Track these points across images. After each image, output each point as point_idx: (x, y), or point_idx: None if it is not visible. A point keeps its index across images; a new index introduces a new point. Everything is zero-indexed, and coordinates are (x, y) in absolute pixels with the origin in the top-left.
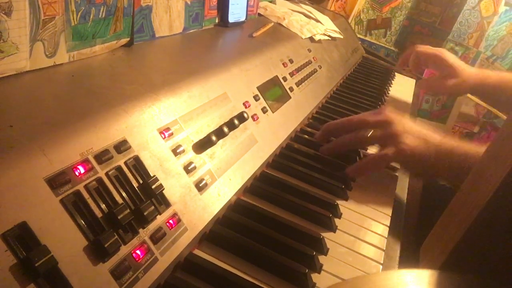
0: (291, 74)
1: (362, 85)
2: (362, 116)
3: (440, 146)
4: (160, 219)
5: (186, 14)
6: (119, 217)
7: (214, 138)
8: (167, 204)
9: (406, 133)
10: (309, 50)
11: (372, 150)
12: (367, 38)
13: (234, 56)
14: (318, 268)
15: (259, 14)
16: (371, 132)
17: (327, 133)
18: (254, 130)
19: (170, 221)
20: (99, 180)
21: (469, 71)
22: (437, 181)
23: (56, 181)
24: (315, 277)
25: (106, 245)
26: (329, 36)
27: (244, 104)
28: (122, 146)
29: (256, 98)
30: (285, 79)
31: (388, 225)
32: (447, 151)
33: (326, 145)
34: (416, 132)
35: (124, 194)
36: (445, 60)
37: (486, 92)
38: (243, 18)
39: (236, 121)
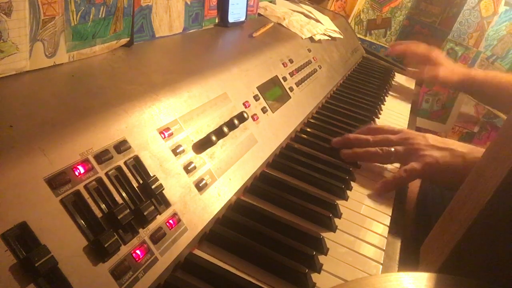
0: (291, 74)
1: (362, 85)
2: (385, 136)
3: (468, 155)
4: (160, 219)
5: (186, 14)
6: (119, 217)
7: (214, 138)
8: (167, 204)
9: (429, 146)
10: (309, 50)
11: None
12: (367, 38)
13: (234, 56)
14: (318, 268)
15: (259, 14)
16: (394, 148)
17: (347, 143)
18: (254, 130)
19: (170, 221)
20: (99, 180)
21: (454, 65)
22: None
23: (56, 181)
24: (315, 277)
25: (106, 245)
26: (329, 36)
27: (244, 104)
28: (122, 146)
29: (256, 98)
30: (285, 79)
31: (388, 225)
32: (476, 159)
33: (348, 151)
34: (440, 144)
35: (124, 194)
36: (429, 55)
37: (472, 87)
38: (243, 18)
39: (236, 121)
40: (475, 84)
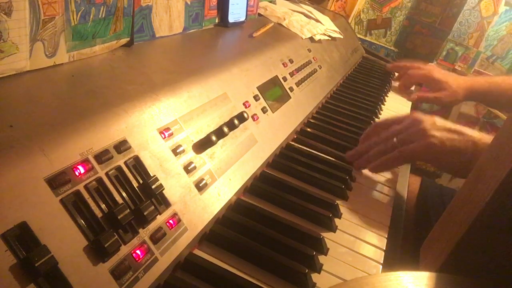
0: (291, 74)
1: (362, 85)
2: (389, 131)
3: (480, 140)
4: (160, 219)
5: (186, 14)
6: (119, 217)
7: (214, 138)
8: (167, 204)
9: (436, 128)
10: (309, 50)
11: None
12: (367, 38)
13: (234, 56)
14: (318, 268)
15: (259, 14)
16: (397, 137)
17: (359, 154)
18: (254, 130)
19: (170, 221)
20: (99, 180)
21: (457, 82)
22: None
23: (56, 181)
24: (315, 277)
25: (106, 245)
26: (329, 36)
27: (244, 104)
28: (122, 146)
29: (256, 98)
30: (285, 79)
31: (388, 225)
32: (486, 146)
33: (359, 160)
34: (449, 127)
35: (124, 194)
36: (432, 78)
37: (476, 96)
38: (243, 18)
39: (236, 121)
40: (479, 94)
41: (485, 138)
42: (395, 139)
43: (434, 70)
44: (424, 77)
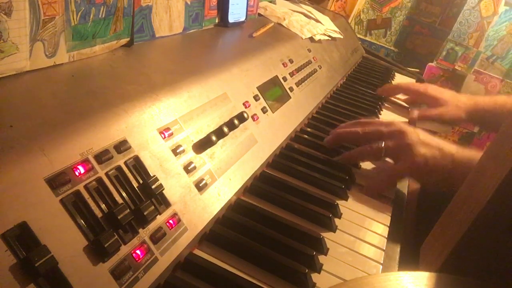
0: (291, 74)
1: (362, 85)
2: (375, 127)
3: (456, 155)
4: (160, 219)
5: (186, 14)
6: (119, 217)
7: (214, 138)
8: (167, 204)
9: (420, 143)
10: (309, 50)
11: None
12: (367, 38)
13: (234, 56)
14: (318, 268)
15: (259, 14)
16: (384, 144)
17: (339, 140)
18: (254, 130)
19: (170, 221)
20: (99, 180)
21: (456, 98)
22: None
23: (56, 181)
24: (315, 277)
25: (106, 245)
26: (329, 36)
27: (244, 104)
28: (122, 146)
29: (256, 98)
30: (285, 79)
31: (388, 225)
32: (464, 160)
33: (342, 155)
34: (430, 142)
35: (124, 194)
36: (427, 94)
37: (480, 116)
38: (243, 18)
39: (236, 121)
40: (484, 113)
41: (463, 152)
42: (382, 144)
43: (429, 87)
44: (418, 93)
